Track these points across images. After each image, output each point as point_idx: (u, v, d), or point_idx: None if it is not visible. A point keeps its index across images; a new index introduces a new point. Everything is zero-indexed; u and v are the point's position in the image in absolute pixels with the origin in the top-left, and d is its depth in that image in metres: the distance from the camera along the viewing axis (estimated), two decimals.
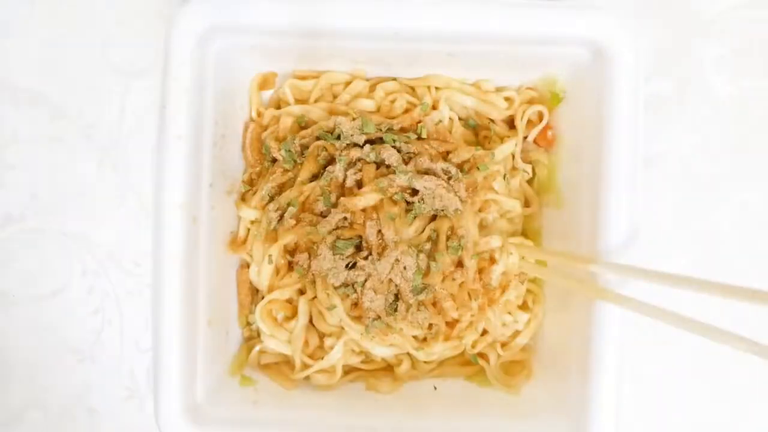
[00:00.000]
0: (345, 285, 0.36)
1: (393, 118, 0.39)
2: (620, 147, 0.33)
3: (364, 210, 0.36)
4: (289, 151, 0.37)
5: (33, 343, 0.41)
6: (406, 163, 0.36)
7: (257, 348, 0.40)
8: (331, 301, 0.36)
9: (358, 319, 0.37)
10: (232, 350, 0.40)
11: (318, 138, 0.38)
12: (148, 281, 0.37)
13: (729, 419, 0.40)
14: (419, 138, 0.37)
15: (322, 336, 0.39)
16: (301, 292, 0.39)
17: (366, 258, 0.35)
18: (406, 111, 0.39)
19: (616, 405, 0.33)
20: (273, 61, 0.39)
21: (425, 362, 0.39)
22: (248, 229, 0.39)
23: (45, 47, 0.42)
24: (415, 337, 0.38)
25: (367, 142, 0.37)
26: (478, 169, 0.37)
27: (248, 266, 0.40)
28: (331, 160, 0.37)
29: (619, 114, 0.33)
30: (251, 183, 0.39)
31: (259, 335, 0.40)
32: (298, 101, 0.40)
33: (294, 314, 0.39)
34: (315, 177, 0.37)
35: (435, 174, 0.36)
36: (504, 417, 0.36)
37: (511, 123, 0.40)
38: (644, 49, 0.33)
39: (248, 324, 0.40)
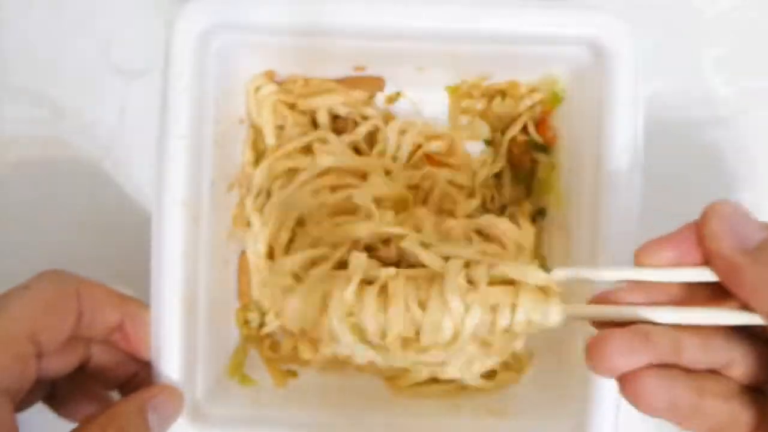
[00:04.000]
0: None
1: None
2: (620, 147, 0.33)
3: None
4: None
5: None
6: None
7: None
8: None
9: None
10: (231, 349, 0.39)
11: None
12: None
13: None
14: None
15: None
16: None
17: None
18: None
19: (617, 405, 0.33)
20: (274, 61, 0.39)
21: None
22: None
23: (45, 47, 0.42)
24: None
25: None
26: None
27: (248, 262, 0.40)
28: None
29: (619, 114, 0.33)
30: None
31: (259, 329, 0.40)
32: None
33: None
34: None
35: None
36: (501, 416, 0.36)
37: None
38: (644, 49, 0.33)
39: (246, 322, 0.40)
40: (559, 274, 0.29)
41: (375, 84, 0.41)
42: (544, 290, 0.29)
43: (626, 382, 0.24)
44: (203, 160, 0.35)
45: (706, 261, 0.25)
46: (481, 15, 0.33)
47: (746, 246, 0.24)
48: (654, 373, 0.24)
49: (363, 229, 0.35)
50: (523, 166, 0.41)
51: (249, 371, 0.39)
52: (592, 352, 0.24)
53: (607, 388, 0.33)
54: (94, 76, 0.42)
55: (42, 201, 0.43)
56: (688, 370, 0.24)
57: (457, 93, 0.41)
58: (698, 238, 0.25)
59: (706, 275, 0.25)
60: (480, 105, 0.41)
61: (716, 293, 0.25)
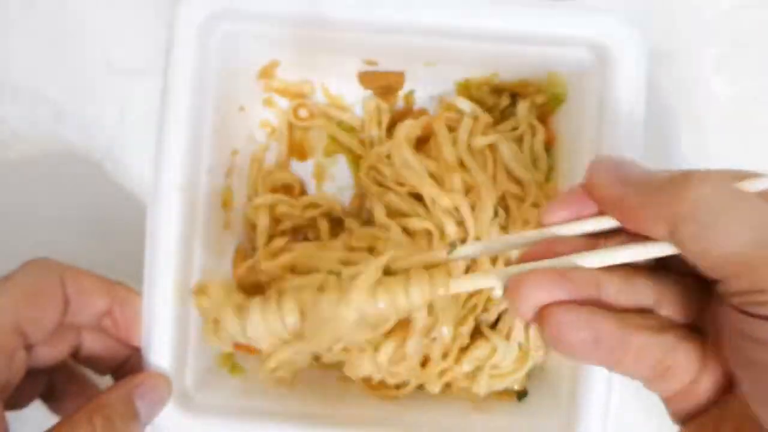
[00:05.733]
0: None
1: None
2: (620, 148, 0.33)
3: None
4: None
5: None
6: None
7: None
8: None
9: None
10: None
11: None
12: None
13: None
14: None
15: None
16: None
17: None
18: None
19: (607, 407, 0.33)
20: (277, 50, 0.39)
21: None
22: None
23: (45, 47, 0.42)
24: None
25: None
26: None
27: (244, 254, 0.40)
28: None
29: (619, 115, 0.33)
30: None
31: None
32: None
33: None
34: None
35: None
36: (490, 413, 0.37)
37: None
38: (645, 50, 0.33)
39: None
40: (461, 252, 0.29)
41: (394, 79, 0.41)
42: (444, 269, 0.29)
43: (544, 318, 0.23)
44: (202, 146, 0.35)
45: (601, 211, 0.25)
46: (483, 13, 0.33)
47: (627, 183, 0.24)
48: (573, 305, 0.23)
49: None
50: None
51: (239, 361, 0.39)
52: (511, 289, 0.24)
53: (596, 382, 0.33)
54: (94, 76, 0.42)
55: (42, 200, 0.43)
56: (613, 309, 0.24)
57: (467, 89, 0.40)
58: (588, 189, 0.25)
59: (608, 222, 0.25)
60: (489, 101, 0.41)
61: (621, 238, 0.25)
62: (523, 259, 0.26)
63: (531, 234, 0.27)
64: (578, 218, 0.25)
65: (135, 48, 0.42)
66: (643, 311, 0.24)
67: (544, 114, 0.40)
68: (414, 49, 0.37)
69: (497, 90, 0.40)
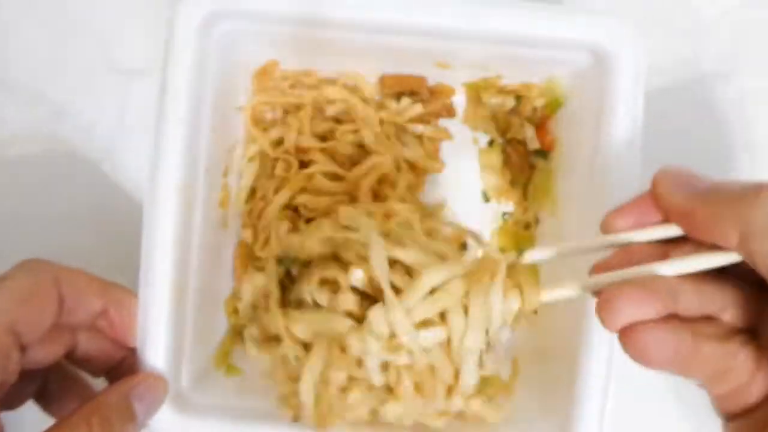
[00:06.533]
0: None
1: None
2: (618, 152, 0.33)
3: None
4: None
5: None
6: None
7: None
8: None
9: None
10: (219, 339, 0.39)
11: None
12: None
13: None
14: None
15: None
16: None
17: None
18: None
19: (604, 409, 0.33)
20: (276, 50, 0.39)
21: None
22: None
23: (45, 47, 0.42)
24: None
25: None
26: None
27: (246, 248, 0.40)
28: None
29: (618, 117, 0.33)
30: None
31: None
32: None
33: None
34: None
35: None
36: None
37: None
38: (644, 51, 0.33)
39: (236, 311, 0.40)
40: (533, 255, 0.29)
41: (415, 83, 0.41)
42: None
43: (630, 337, 0.24)
44: (200, 146, 0.35)
45: (666, 219, 0.26)
46: (482, 16, 0.33)
47: (696, 193, 0.25)
48: (658, 326, 0.24)
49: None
50: (523, 172, 0.41)
51: (235, 361, 0.39)
52: (603, 304, 0.25)
53: (593, 383, 0.33)
54: (94, 76, 0.42)
55: (41, 200, 0.43)
56: (683, 318, 0.25)
57: (475, 90, 0.40)
58: (654, 199, 0.26)
59: (673, 230, 0.26)
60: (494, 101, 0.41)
61: (689, 247, 0.26)
62: (600, 269, 0.27)
63: (599, 240, 0.28)
64: (642, 226, 0.27)
65: (135, 48, 0.42)
66: (709, 318, 0.25)
67: (544, 118, 0.40)
68: (414, 50, 0.37)
69: (502, 92, 0.40)
